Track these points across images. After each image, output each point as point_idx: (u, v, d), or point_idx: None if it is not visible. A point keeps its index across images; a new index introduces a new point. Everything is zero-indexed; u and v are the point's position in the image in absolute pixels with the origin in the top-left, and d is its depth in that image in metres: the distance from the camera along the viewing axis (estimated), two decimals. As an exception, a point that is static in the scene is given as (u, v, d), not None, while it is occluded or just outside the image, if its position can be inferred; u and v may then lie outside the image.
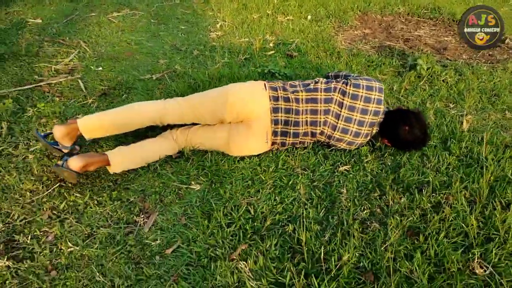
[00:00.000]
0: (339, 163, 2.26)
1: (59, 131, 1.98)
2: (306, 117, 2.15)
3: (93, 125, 2.03)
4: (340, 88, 2.19)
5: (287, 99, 2.15)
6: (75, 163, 1.86)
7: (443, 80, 3.31)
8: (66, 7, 4.51)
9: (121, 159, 2.00)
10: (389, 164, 2.29)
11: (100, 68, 3.15)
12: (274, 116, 2.11)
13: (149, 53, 3.51)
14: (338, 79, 2.32)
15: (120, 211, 1.87)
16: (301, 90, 2.19)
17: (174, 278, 1.58)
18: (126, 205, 1.91)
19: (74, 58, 3.26)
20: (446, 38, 4.46)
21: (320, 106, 2.16)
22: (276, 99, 2.13)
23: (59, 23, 3.98)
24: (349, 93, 2.15)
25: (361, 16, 4.95)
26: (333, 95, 2.17)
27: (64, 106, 2.60)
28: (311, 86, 2.22)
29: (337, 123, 2.16)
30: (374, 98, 2.16)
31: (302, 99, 2.16)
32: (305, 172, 2.18)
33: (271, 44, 3.83)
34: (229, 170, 2.15)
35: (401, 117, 2.24)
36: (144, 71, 3.15)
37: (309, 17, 4.67)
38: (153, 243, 1.73)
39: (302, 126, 2.16)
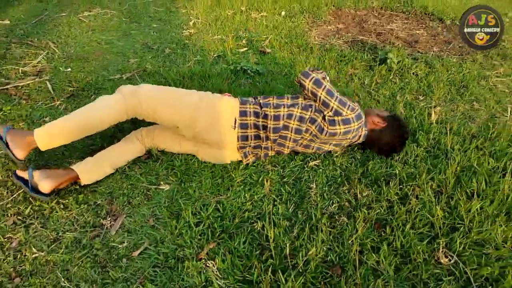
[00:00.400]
0: (309, 159, 2.27)
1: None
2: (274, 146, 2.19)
3: (49, 136, 1.89)
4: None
5: (257, 137, 2.11)
6: (45, 185, 1.82)
7: (413, 73, 3.36)
8: (36, 7, 4.43)
9: (89, 172, 1.96)
10: (358, 157, 2.31)
11: (69, 69, 3.10)
12: (242, 144, 2.12)
13: (120, 52, 3.47)
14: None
15: (87, 215, 1.85)
16: (271, 118, 2.09)
17: (141, 280, 1.57)
18: (93, 208, 1.89)
19: (42, 60, 3.20)
20: (417, 31, 4.52)
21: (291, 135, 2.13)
22: (245, 138, 2.09)
23: (28, 23, 3.90)
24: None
25: (335, 11, 4.97)
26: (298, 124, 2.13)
27: (31, 109, 2.55)
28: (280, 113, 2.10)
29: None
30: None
31: (270, 129, 2.10)
32: (275, 169, 2.19)
33: (244, 41, 3.82)
34: (199, 169, 2.14)
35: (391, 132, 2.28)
36: (114, 71, 3.11)
37: (283, 13, 4.67)
38: (120, 246, 1.71)
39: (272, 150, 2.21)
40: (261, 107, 2.10)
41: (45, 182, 1.82)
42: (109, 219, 1.84)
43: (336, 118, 2.05)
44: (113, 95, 2.00)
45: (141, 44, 3.65)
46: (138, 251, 1.69)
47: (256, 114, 2.08)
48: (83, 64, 3.22)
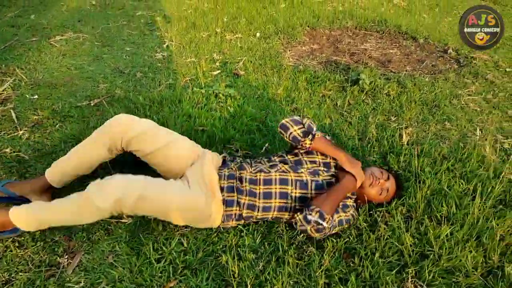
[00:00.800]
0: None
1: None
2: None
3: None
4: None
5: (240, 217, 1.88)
6: None
7: (385, 93, 3.37)
8: (6, 32, 4.34)
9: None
10: (329, 183, 2.27)
11: (36, 96, 3.02)
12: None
13: (90, 77, 3.40)
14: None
15: (43, 253, 1.76)
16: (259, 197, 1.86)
17: (96, 324, 1.48)
18: (50, 246, 1.80)
19: (8, 87, 3.11)
20: (391, 51, 4.57)
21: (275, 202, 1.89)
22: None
23: (-4, 49, 3.82)
24: None
25: (309, 31, 5.00)
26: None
27: (-8, 139, 2.47)
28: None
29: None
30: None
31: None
32: (243, 197, 2.13)
33: (217, 63, 3.80)
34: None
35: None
36: (82, 97, 3.04)
37: (258, 34, 4.68)
38: (75, 286, 1.62)
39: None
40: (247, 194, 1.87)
41: None
42: (66, 257, 1.75)
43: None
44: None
45: (112, 69, 3.60)
46: (95, 292, 1.61)
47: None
48: (50, 90, 3.15)
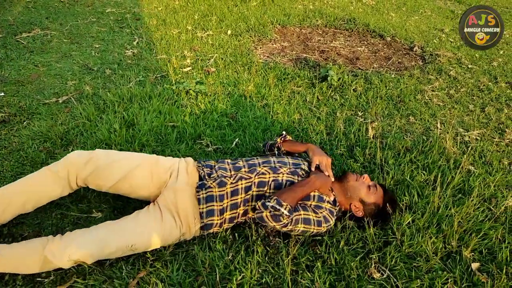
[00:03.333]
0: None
1: None
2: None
3: None
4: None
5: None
6: None
7: (353, 89, 3.46)
8: (-31, 28, 4.22)
9: None
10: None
11: (2, 94, 2.96)
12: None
13: (58, 74, 3.36)
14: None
15: (11, 249, 1.74)
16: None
17: (65, 316, 1.49)
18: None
19: (-28, 84, 3.04)
20: (359, 48, 4.68)
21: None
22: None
23: (-41, 46, 3.71)
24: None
25: (280, 29, 5.07)
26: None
27: (-44, 138, 2.41)
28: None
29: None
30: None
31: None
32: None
33: (188, 60, 3.80)
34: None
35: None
36: (50, 94, 3.00)
37: (229, 31, 4.70)
38: (45, 281, 1.62)
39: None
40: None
41: None
42: (35, 252, 1.74)
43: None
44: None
45: (81, 66, 3.56)
46: (66, 285, 1.61)
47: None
48: (17, 88, 3.09)
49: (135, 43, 4.19)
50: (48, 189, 1.79)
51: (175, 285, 1.62)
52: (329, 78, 3.43)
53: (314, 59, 4.15)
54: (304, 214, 1.76)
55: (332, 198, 1.92)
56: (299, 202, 1.82)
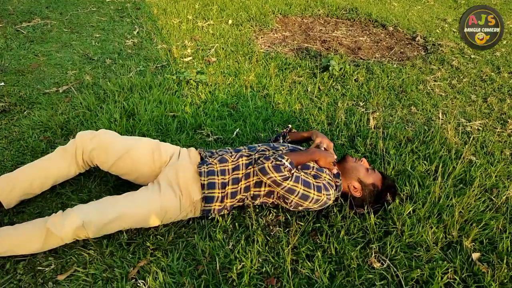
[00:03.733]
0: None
1: None
2: None
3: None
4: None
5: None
6: None
7: (355, 80, 3.44)
8: (-31, 18, 4.20)
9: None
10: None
11: (2, 83, 2.95)
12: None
13: (58, 64, 3.34)
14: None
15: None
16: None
17: (66, 305, 1.50)
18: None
19: (-28, 74, 3.03)
20: (361, 38, 4.65)
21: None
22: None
23: (-41, 36, 3.69)
24: None
25: (281, 19, 5.03)
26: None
27: (-44, 127, 2.41)
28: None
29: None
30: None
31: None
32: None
33: (189, 50, 3.78)
34: (134, 184, 2.08)
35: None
36: (50, 84, 2.99)
37: (230, 21, 4.67)
38: (46, 269, 1.63)
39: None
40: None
41: None
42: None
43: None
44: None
45: (81, 55, 3.54)
46: (66, 274, 1.61)
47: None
48: (18, 77, 3.08)
49: (135, 32, 4.16)
50: (56, 165, 1.87)
51: (176, 274, 1.63)
52: (330, 68, 3.40)
53: (316, 49, 4.12)
54: (304, 176, 1.77)
55: (335, 171, 1.95)
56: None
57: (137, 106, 2.67)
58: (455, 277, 1.71)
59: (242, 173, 1.85)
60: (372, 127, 2.72)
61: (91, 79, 3.07)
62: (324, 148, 1.99)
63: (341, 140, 2.57)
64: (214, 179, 1.82)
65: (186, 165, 1.86)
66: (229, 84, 3.21)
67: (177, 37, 4.10)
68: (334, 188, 1.86)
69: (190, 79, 3.12)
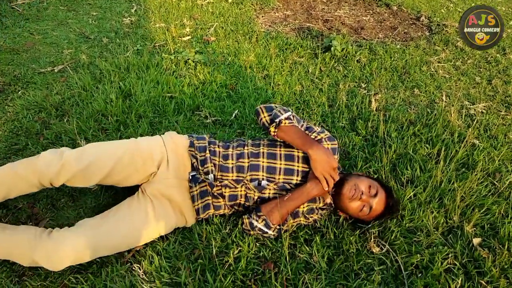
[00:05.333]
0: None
1: None
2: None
3: None
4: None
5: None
6: None
7: (357, 60, 3.37)
8: (-38, -6, 4.10)
9: None
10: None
11: (-4, 62, 2.89)
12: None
13: (54, 43, 3.27)
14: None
15: (5, 220, 1.72)
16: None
17: (60, 289, 1.48)
18: (13, 213, 1.76)
19: (-34, 52, 2.97)
20: (364, 18, 4.54)
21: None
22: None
23: (-48, 13, 3.61)
24: None
25: (283, -3, 4.91)
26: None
27: (-51, 107, 2.36)
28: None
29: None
30: None
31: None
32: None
33: (188, 29, 3.69)
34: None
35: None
36: (45, 63, 2.93)
37: (230, -1, 4.56)
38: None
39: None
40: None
41: None
42: (31, 223, 1.72)
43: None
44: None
45: (77, 34, 3.46)
46: (60, 258, 1.59)
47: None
48: (12, 56, 3.01)
49: (133, 10, 4.06)
50: (19, 189, 1.56)
51: (171, 258, 1.61)
52: (332, 49, 3.32)
53: (318, 28, 4.02)
54: (294, 222, 1.73)
55: (329, 201, 1.79)
56: None
57: (133, 87, 2.62)
58: (455, 262, 1.69)
59: (228, 204, 1.74)
60: (374, 109, 2.66)
61: (87, 59, 3.00)
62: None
63: (342, 123, 2.52)
64: (208, 199, 1.72)
65: (176, 182, 1.70)
66: (228, 64, 3.14)
67: (175, 15, 4.00)
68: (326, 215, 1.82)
69: (189, 59, 3.05)
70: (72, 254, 1.44)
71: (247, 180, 1.71)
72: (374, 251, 1.72)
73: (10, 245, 1.49)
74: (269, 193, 1.73)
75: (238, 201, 1.73)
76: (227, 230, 1.73)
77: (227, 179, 1.70)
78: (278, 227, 1.66)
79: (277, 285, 1.50)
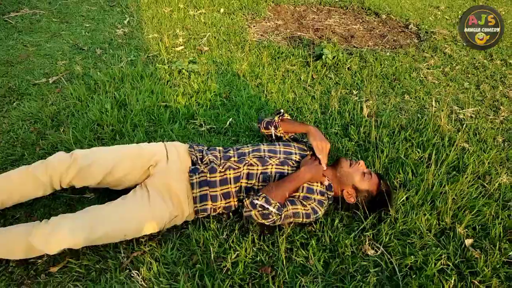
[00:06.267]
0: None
1: None
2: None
3: None
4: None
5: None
6: None
7: (348, 68, 3.42)
8: (-45, 8, 4.11)
9: None
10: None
11: (-10, 74, 2.90)
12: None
13: (47, 54, 3.29)
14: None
15: (3, 230, 1.73)
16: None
17: (60, 296, 1.49)
18: (10, 223, 1.77)
19: (-41, 65, 2.98)
20: (354, 26, 4.62)
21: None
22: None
23: None
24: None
25: (274, 7, 4.98)
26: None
27: None
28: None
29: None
30: None
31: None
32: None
33: (180, 39, 3.74)
34: (127, 175, 2.06)
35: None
36: (39, 74, 2.95)
37: (221, 9, 4.62)
38: (38, 261, 1.61)
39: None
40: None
41: None
42: (28, 233, 1.73)
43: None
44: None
45: (71, 45, 3.48)
46: (59, 266, 1.60)
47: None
48: (6, 68, 3.02)
49: (126, 22, 4.10)
50: (29, 191, 1.72)
51: (170, 264, 1.62)
52: (323, 57, 3.38)
53: (309, 37, 4.09)
54: (292, 208, 1.73)
55: (327, 183, 1.87)
56: None
57: (128, 97, 2.64)
58: (448, 263, 1.72)
59: (232, 189, 1.80)
60: (366, 115, 2.71)
61: (82, 70, 3.03)
62: (315, 155, 1.90)
63: (335, 129, 2.56)
64: (206, 190, 1.77)
65: (176, 173, 1.79)
66: (222, 73, 3.18)
67: (168, 26, 4.05)
68: (324, 205, 1.83)
69: (182, 68, 3.08)
70: (69, 235, 1.50)
71: (249, 158, 1.86)
72: (369, 253, 1.75)
73: (6, 233, 1.55)
74: (272, 169, 1.84)
75: (241, 182, 1.80)
76: (224, 236, 1.75)
77: (230, 162, 1.84)
78: (278, 204, 1.68)
79: (275, 289, 1.53)
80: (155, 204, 1.68)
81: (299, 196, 1.80)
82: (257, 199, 1.66)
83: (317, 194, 1.82)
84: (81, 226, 1.54)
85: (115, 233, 1.60)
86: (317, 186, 1.84)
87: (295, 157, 1.92)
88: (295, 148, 1.97)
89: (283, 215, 1.69)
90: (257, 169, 1.82)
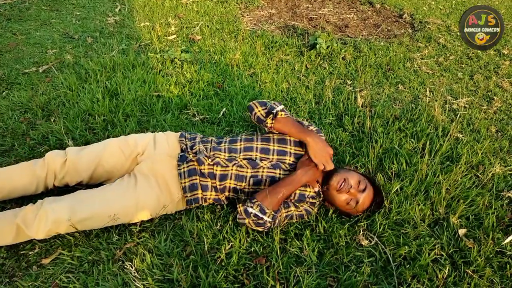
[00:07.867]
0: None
1: None
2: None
3: None
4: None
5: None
6: None
7: (342, 58, 3.41)
8: None
9: None
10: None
11: (-22, 63, 2.85)
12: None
13: (37, 43, 3.23)
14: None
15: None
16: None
17: (52, 288, 1.47)
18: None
19: None
20: (348, 16, 4.59)
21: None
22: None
23: None
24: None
25: (267, -4, 4.93)
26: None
27: None
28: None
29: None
30: None
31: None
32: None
33: (173, 28, 3.69)
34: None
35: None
36: (29, 63, 2.89)
37: (215, -2, 4.57)
38: (30, 253, 1.59)
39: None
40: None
41: None
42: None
43: None
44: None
45: (61, 34, 3.42)
46: (51, 258, 1.58)
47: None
48: (-5, 57, 2.97)
49: (117, 10, 4.04)
50: (24, 182, 1.71)
51: (163, 255, 1.61)
52: (317, 46, 3.36)
53: (303, 26, 4.06)
54: (286, 212, 1.73)
55: (316, 189, 1.82)
56: None
57: (120, 86, 2.61)
58: (442, 253, 1.73)
59: (219, 185, 1.76)
60: (360, 105, 2.70)
61: (72, 58, 2.98)
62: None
63: (329, 119, 2.55)
64: (195, 179, 1.74)
65: (164, 158, 1.78)
66: (215, 62, 3.15)
67: (160, 14, 3.99)
68: (316, 205, 1.82)
69: (175, 57, 3.04)
70: (51, 214, 1.52)
71: (240, 159, 1.77)
72: (363, 243, 1.75)
73: None
74: (263, 172, 1.77)
75: (227, 181, 1.75)
76: (218, 227, 1.74)
77: (219, 157, 1.77)
78: (273, 213, 1.66)
79: (269, 279, 1.52)
80: (141, 188, 1.67)
81: (292, 200, 1.79)
82: (252, 207, 1.63)
83: (309, 198, 1.81)
84: (63, 206, 1.56)
85: (100, 216, 1.59)
86: (309, 192, 1.80)
87: (289, 159, 1.81)
88: (290, 146, 1.84)
89: (277, 221, 1.69)
90: (247, 172, 1.77)
